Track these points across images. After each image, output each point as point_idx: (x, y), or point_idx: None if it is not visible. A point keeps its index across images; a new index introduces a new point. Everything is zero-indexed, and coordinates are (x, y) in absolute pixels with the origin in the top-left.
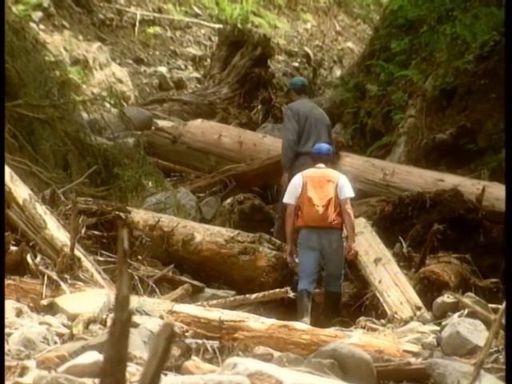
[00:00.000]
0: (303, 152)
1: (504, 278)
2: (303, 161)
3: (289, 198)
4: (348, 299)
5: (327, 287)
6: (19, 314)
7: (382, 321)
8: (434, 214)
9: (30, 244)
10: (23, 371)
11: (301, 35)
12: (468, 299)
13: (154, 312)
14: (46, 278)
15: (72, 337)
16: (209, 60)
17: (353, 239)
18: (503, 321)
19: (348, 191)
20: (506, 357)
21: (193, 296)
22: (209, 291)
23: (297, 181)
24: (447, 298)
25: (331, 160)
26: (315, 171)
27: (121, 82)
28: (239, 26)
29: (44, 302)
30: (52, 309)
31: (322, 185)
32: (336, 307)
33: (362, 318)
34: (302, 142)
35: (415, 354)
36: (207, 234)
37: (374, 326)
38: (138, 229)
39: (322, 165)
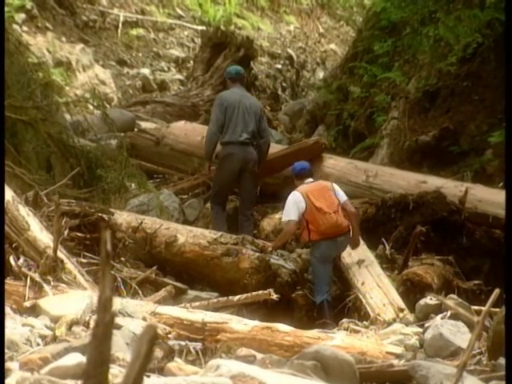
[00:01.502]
0: (230, 141)
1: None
2: (230, 149)
3: (291, 215)
4: (331, 301)
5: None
6: None
7: (365, 322)
8: (417, 215)
9: (13, 246)
10: (6, 373)
11: (284, 37)
12: (451, 301)
13: (136, 314)
14: (28, 279)
15: (55, 338)
16: (192, 62)
17: (358, 234)
18: (486, 322)
19: (344, 194)
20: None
21: (176, 298)
22: (192, 293)
23: (296, 198)
24: (430, 299)
25: (313, 174)
26: (309, 185)
27: (104, 83)
28: (222, 27)
29: (27, 303)
30: (35, 311)
31: (323, 194)
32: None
33: (344, 320)
34: (229, 131)
35: (398, 356)
36: (190, 236)
37: (357, 327)
38: (121, 231)
39: (310, 179)
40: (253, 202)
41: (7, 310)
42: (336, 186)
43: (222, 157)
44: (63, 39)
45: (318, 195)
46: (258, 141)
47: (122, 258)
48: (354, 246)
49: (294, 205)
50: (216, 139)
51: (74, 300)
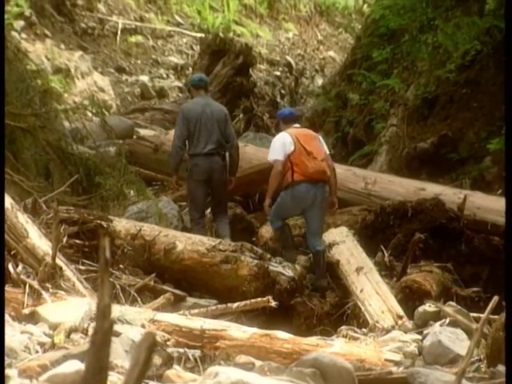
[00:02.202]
0: (196, 153)
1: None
2: (196, 161)
3: (277, 154)
4: (330, 308)
5: (316, 247)
6: None
7: (364, 330)
8: (416, 223)
9: (12, 253)
10: (5, 380)
11: (283, 44)
12: (449, 308)
13: (135, 321)
14: (27, 287)
15: (53, 346)
16: (191, 69)
17: (336, 194)
18: (485, 330)
19: (327, 148)
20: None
21: (174, 305)
22: (190, 300)
23: (285, 139)
24: (429, 307)
25: (300, 119)
26: (297, 129)
27: (102, 90)
28: (221, 34)
29: (26, 311)
30: (33, 318)
31: (312, 140)
32: (324, 263)
33: (343, 327)
34: (194, 143)
35: (397, 363)
36: (189, 243)
37: (356, 335)
38: (120, 238)
39: (297, 124)
40: (225, 207)
41: (6, 317)
42: (321, 138)
43: (189, 169)
44: (62, 46)
45: (308, 140)
46: (225, 147)
47: (121, 265)
48: (332, 205)
49: (281, 145)
50: (181, 153)
51: (72, 307)
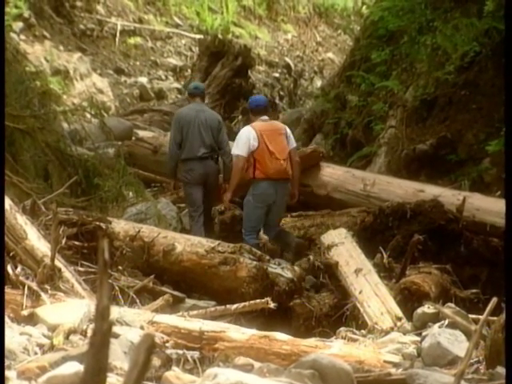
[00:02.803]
0: (190, 157)
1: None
2: (190, 165)
3: (241, 150)
4: (328, 310)
5: (273, 232)
6: None
7: (363, 331)
8: (415, 224)
9: (11, 254)
10: (4, 382)
11: (281, 46)
12: (448, 310)
13: (134, 322)
14: (26, 288)
15: (52, 347)
16: (189, 70)
17: (298, 187)
18: (484, 331)
19: (294, 140)
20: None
21: (173, 306)
22: (189, 302)
23: (250, 134)
24: (428, 308)
25: (269, 110)
26: (264, 124)
27: (101, 92)
28: (220, 36)
29: (24, 312)
30: (32, 319)
31: (276, 138)
32: (287, 235)
33: (342, 329)
34: (187, 147)
35: (396, 365)
36: (188, 245)
37: (355, 336)
38: (119, 239)
39: (265, 117)
40: (209, 212)
41: (5, 318)
42: (288, 131)
43: (184, 174)
44: (61, 48)
45: (271, 138)
46: (218, 152)
47: (120, 267)
48: (292, 197)
49: (245, 141)
50: (176, 157)
51: (71, 309)
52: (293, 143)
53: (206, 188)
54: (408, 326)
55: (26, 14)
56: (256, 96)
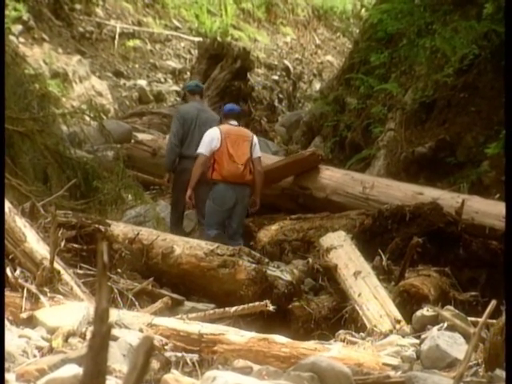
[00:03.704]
0: (186, 155)
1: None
2: (185, 164)
3: (203, 148)
4: (327, 312)
5: (233, 242)
6: None
7: (362, 334)
8: (414, 227)
9: (10, 257)
10: None
11: (280, 48)
12: (447, 312)
13: (133, 325)
14: (25, 291)
15: (51, 350)
16: (188, 73)
17: (259, 195)
18: (483, 334)
19: (259, 150)
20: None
21: (172, 309)
22: (188, 304)
23: (214, 134)
24: (427, 311)
25: (241, 118)
26: (231, 128)
27: (100, 95)
28: (219, 39)
29: (23, 315)
30: (31, 322)
31: (240, 143)
32: None
33: (341, 331)
34: (186, 145)
35: (395, 367)
36: (187, 247)
37: (354, 339)
38: (118, 242)
39: (234, 122)
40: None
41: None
42: (255, 140)
43: (177, 171)
44: (60, 50)
45: (234, 141)
46: None
47: (119, 270)
48: (253, 205)
49: (209, 140)
50: (177, 151)
51: (70, 311)
52: (258, 152)
53: (197, 188)
54: (407, 328)
55: (25, 16)
56: (231, 104)
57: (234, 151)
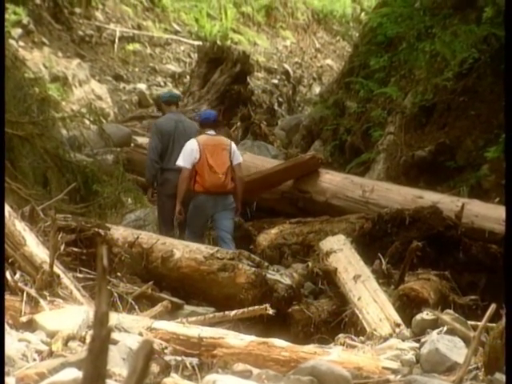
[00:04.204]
0: (167, 168)
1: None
2: (167, 176)
3: (185, 162)
4: (327, 316)
5: (223, 246)
6: None
7: (362, 338)
8: (413, 230)
9: (9, 261)
10: None
11: (280, 52)
12: (447, 316)
13: (133, 329)
14: (25, 294)
15: (51, 354)
16: (188, 77)
17: (240, 202)
18: (483, 338)
19: (239, 157)
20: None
21: (172, 313)
22: (188, 308)
23: (193, 146)
24: (426, 314)
25: (218, 126)
26: (208, 138)
27: (100, 98)
28: (218, 42)
29: (23, 318)
30: (31, 326)
31: (219, 152)
32: None
33: (341, 335)
34: (166, 158)
35: (394, 371)
36: (186, 251)
37: (353, 342)
38: (118, 246)
39: (211, 131)
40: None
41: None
42: (234, 147)
43: (160, 183)
44: (59, 54)
45: (213, 151)
46: None
47: (119, 273)
48: (236, 212)
49: (189, 152)
50: (157, 166)
51: (70, 315)
52: (238, 159)
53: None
54: (407, 332)
55: (25, 20)
56: (207, 110)
57: (214, 161)
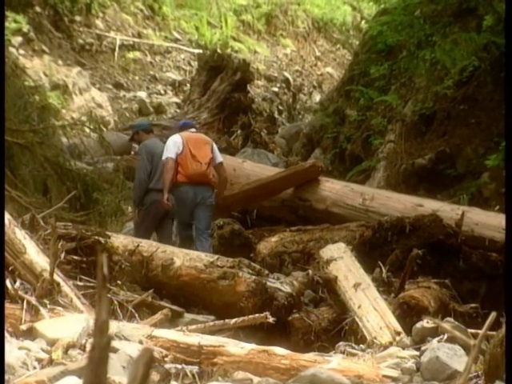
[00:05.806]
0: (154, 188)
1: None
2: (154, 196)
3: (170, 153)
4: (327, 324)
5: (200, 243)
6: None
7: (362, 346)
8: (414, 239)
9: (10, 269)
10: None
11: (280, 60)
12: (447, 324)
13: (133, 337)
14: (25, 302)
15: (51, 362)
16: (188, 85)
17: (222, 195)
18: (483, 346)
19: (220, 155)
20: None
21: (172, 321)
22: (188, 316)
23: (176, 139)
24: (426, 323)
25: (197, 129)
26: (191, 134)
27: (100, 106)
28: (219, 50)
29: (23, 327)
30: (31, 334)
31: (201, 145)
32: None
33: (341, 343)
34: (154, 179)
35: (395, 379)
36: (186, 259)
37: (354, 351)
38: (118, 254)
39: (193, 129)
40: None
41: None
42: (215, 146)
43: (147, 203)
44: (60, 62)
45: (195, 144)
46: None
47: (119, 281)
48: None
49: (173, 144)
50: (145, 186)
51: (70, 323)
52: (219, 157)
53: (163, 218)
54: (407, 340)
55: (25, 28)
56: (184, 120)
57: (197, 152)
